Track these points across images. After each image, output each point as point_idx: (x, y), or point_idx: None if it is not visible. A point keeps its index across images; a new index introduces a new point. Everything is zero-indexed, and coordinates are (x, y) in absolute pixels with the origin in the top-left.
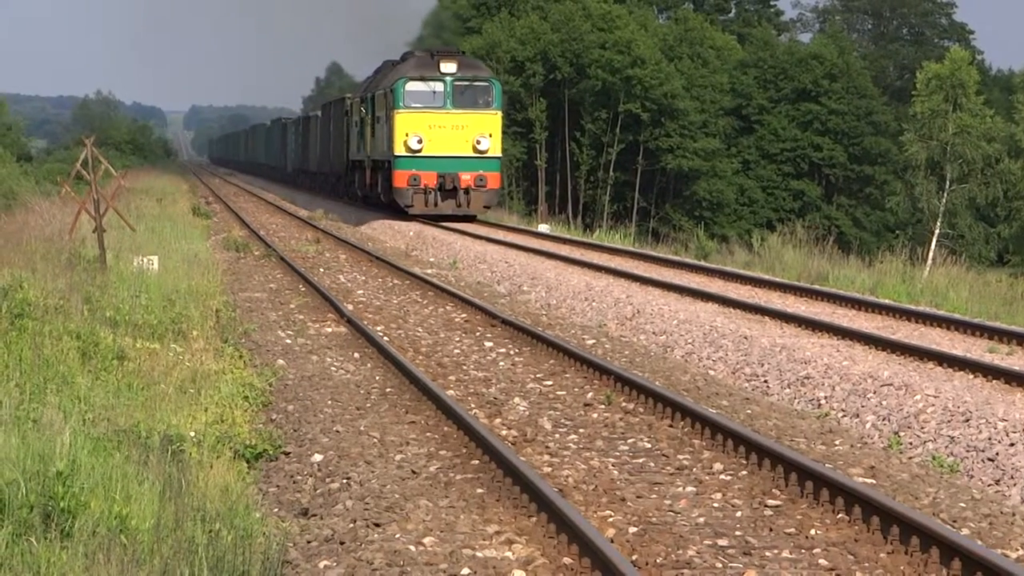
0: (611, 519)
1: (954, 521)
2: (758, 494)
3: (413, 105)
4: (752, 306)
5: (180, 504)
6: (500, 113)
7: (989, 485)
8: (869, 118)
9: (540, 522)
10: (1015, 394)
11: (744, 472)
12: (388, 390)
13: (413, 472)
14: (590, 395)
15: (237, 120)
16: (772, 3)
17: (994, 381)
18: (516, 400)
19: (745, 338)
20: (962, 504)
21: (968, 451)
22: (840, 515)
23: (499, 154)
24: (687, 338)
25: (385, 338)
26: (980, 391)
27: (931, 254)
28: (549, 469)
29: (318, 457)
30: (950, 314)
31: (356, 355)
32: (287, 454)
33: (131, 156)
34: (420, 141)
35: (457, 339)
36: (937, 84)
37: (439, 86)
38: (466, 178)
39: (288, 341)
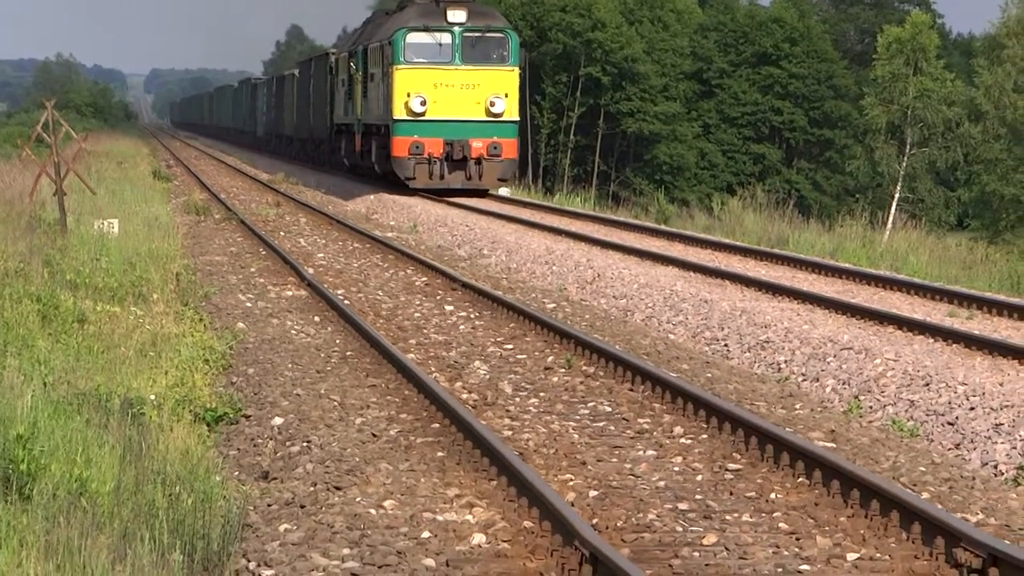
0: (572, 483)
1: (914, 485)
2: (719, 458)
3: (415, 60)
4: (712, 270)
5: (140, 467)
6: (518, 69)
7: (949, 449)
8: (829, 82)
9: (501, 486)
10: (975, 358)
11: (704, 436)
12: (348, 354)
13: (373, 436)
14: (551, 359)
15: (198, 83)
16: None
17: (954, 345)
18: (477, 364)
19: (705, 302)
20: (922, 468)
21: (928, 415)
22: (800, 479)
23: (516, 117)
24: (647, 302)
25: (346, 301)
26: (940, 355)
27: (891, 218)
28: (510, 433)
29: (278, 420)
30: (910, 278)
31: (316, 319)
32: (247, 417)
33: (92, 119)
34: (424, 103)
35: (418, 303)
36: (898, 48)
37: (446, 38)
38: (478, 146)
39: (248, 304)
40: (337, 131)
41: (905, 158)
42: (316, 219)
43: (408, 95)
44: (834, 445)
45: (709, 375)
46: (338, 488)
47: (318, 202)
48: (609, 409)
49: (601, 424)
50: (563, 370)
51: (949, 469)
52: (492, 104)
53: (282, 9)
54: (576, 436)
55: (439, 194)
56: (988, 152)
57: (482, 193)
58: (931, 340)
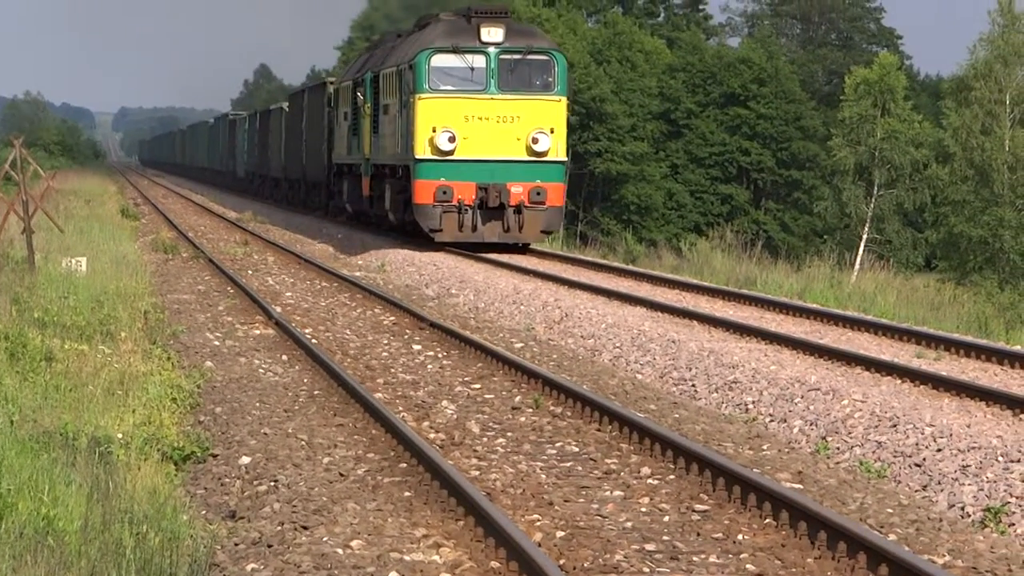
0: (539, 523)
1: (881, 526)
2: (686, 499)
3: (443, 88)
4: (680, 310)
5: (108, 506)
6: (565, 99)
7: (916, 491)
8: (797, 123)
9: (468, 525)
10: (942, 399)
11: (672, 476)
12: (316, 392)
13: (341, 475)
14: (518, 399)
15: (166, 121)
16: (701, 7)
17: (921, 386)
18: (444, 403)
19: (673, 342)
20: (889, 510)
21: (895, 456)
22: (767, 520)
23: (564, 157)
24: (615, 342)
25: (313, 340)
26: (907, 396)
27: (859, 259)
28: (477, 473)
29: (246, 459)
30: (878, 319)
31: (284, 357)
32: (215, 456)
33: (60, 157)
34: (452, 139)
35: (385, 342)
36: (865, 89)
37: (479, 60)
38: (517, 191)
39: (216, 343)
40: (337, 172)
41: (873, 199)
42: (284, 258)
43: (434, 130)
44: (801, 486)
45: (677, 415)
46: (305, 527)
47: (286, 240)
48: (576, 449)
49: (568, 464)
50: (531, 410)
51: (916, 511)
52: (535, 141)
53: (250, 49)
54: (543, 476)
55: (470, 249)
56: (956, 194)
57: (522, 249)
58: (899, 381)
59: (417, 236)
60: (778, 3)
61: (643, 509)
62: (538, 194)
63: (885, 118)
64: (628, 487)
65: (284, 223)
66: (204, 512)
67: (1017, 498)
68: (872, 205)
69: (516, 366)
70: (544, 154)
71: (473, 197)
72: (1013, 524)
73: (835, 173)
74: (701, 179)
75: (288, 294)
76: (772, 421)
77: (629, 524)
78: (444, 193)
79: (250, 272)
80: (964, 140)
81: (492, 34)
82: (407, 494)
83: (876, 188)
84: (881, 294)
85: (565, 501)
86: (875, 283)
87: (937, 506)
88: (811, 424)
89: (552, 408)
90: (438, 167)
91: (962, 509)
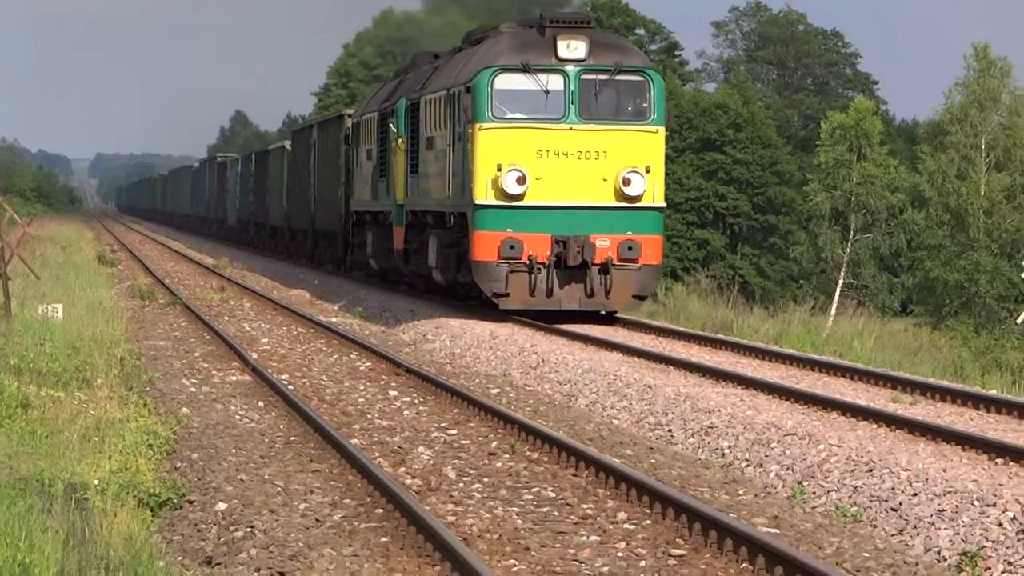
0: (515, 568)
1: (857, 571)
2: (662, 543)
3: (510, 116)
4: (656, 355)
5: (84, 553)
6: (663, 130)
7: (892, 535)
8: (773, 168)
9: (444, 571)
10: (918, 444)
11: (648, 521)
12: (292, 439)
13: (317, 521)
14: (494, 444)
15: (143, 168)
16: (677, 53)
17: (897, 431)
18: (420, 449)
19: (649, 387)
20: (865, 554)
21: (872, 501)
22: (744, 564)
23: (661, 203)
24: (591, 387)
25: (290, 386)
26: (884, 441)
27: (835, 304)
28: (453, 518)
29: (222, 505)
30: (854, 364)
31: (261, 403)
32: (191, 502)
33: (36, 204)
34: (522, 179)
35: (362, 387)
36: (841, 134)
37: (556, 81)
38: (603, 245)
39: (193, 389)
40: (357, 221)
41: (849, 244)
42: (260, 304)
43: (498, 168)
44: (777, 531)
45: (653, 460)
46: (282, 573)
47: (262, 287)
48: (553, 494)
49: (545, 509)
50: (507, 455)
51: (892, 555)
52: (626, 182)
53: (226, 95)
54: (520, 521)
55: (545, 319)
56: (932, 238)
57: (608, 319)
58: (875, 426)
59: (472, 299)
60: (754, 48)
61: (619, 554)
62: (630, 249)
63: (861, 163)
64: (604, 532)
65: (261, 269)
66: (181, 558)
67: (993, 542)
68: (848, 250)
69: (492, 412)
70: (637, 199)
71: (548, 253)
72: (989, 568)
73: (811, 218)
74: (677, 224)
75: (265, 340)
76: (748, 466)
77: (605, 569)
78: (511, 248)
79: (226, 318)
80: (940, 185)
81: (572, 48)
82: (384, 540)
83: (852, 233)
84: (857, 339)
85: (542, 546)
86: (851, 328)
87: (913, 550)
88: (787, 469)
89: (528, 453)
90: (504, 215)
91: (938, 553)
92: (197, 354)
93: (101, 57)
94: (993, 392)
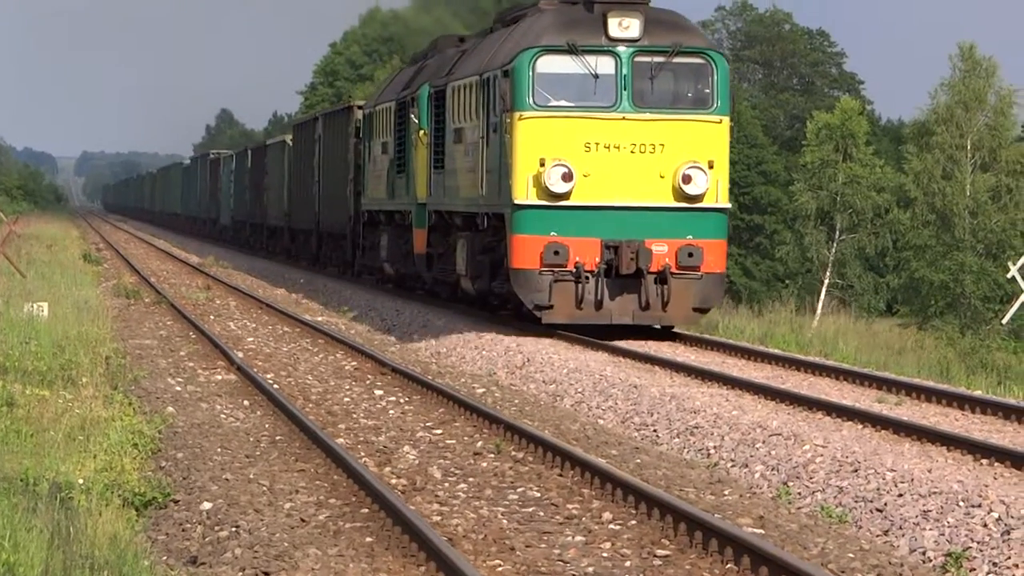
0: (500, 568)
1: (843, 572)
2: (647, 544)
3: (554, 103)
4: (642, 355)
5: (69, 552)
6: (728, 120)
7: (878, 536)
8: (759, 167)
9: (429, 571)
10: (903, 444)
11: (633, 522)
12: (278, 438)
13: (302, 520)
14: (480, 444)
15: (128, 166)
16: None
17: (883, 431)
18: (406, 449)
19: (635, 387)
20: (850, 555)
21: (857, 501)
22: (729, 565)
23: (726, 204)
24: (577, 387)
25: (275, 386)
26: (869, 441)
27: (821, 304)
28: (439, 518)
29: (207, 505)
30: (839, 364)
31: (246, 403)
32: (176, 502)
33: (22, 202)
34: (568, 176)
35: (347, 387)
36: (827, 134)
37: (607, 64)
38: (660, 251)
39: (178, 388)
40: (369, 221)
41: (834, 244)
42: (246, 303)
43: (541, 163)
44: (763, 531)
45: (638, 460)
46: (267, 573)
47: (248, 285)
48: (538, 495)
49: (530, 509)
50: (492, 455)
51: (877, 555)
52: (686, 179)
53: (212, 94)
54: (505, 521)
55: (593, 333)
56: (917, 238)
57: (666, 333)
58: (860, 426)
59: (501, 308)
60: (740, 48)
61: (605, 554)
62: (690, 255)
63: (847, 163)
64: (590, 532)
65: (247, 268)
66: (165, 558)
67: (978, 543)
68: (834, 250)
69: (478, 411)
70: (699, 198)
71: (597, 260)
72: (974, 569)
73: (797, 218)
74: None
75: (250, 339)
76: (734, 466)
77: (591, 569)
78: (556, 254)
79: (212, 317)
80: (925, 185)
81: (625, 27)
82: (369, 540)
83: (838, 233)
84: (843, 339)
85: (527, 546)
86: (837, 328)
87: (899, 551)
88: (773, 469)
89: (514, 453)
90: (547, 217)
91: (923, 554)
92: (183, 353)
93: (88, 55)
94: (978, 393)
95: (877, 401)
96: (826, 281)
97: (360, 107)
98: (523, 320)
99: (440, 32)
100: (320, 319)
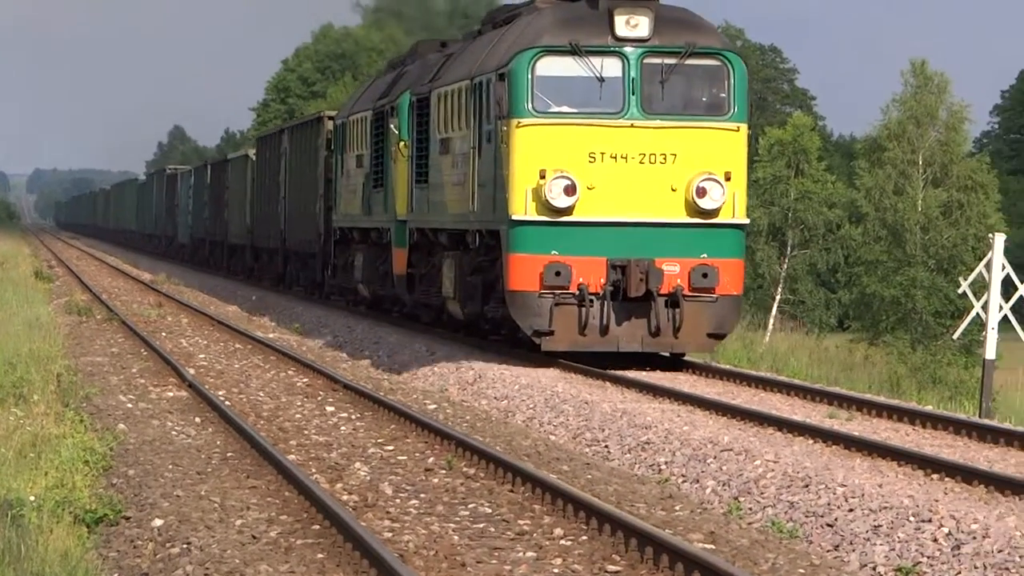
0: None
1: None
2: (598, 559)
3: (555, 109)
4: (593, 372)
5: (19, 569)
6: (745, 128)
7: (828, 551)
8: None
9: None
10: (854, 459)
11: (584, 537)
12: (229, 455)
13: (254, 537)
14: (431, 460)
15: (81, 183)
16: None
17: (834, 446)
18: (357, 465)
19: (586, 403)
20: (801, 570)
21: (807, 516)
22: None
23: (744, 219)
24: (528, 403)
25: (227, 402)
26: (820, 456)
27: (772, 319)
28: (390, 534)
29: (158, 522)
30: (790, 379)
31: (197, 419)
32: (127, 519)
33: None
34: (571, 189)
35: (299, 403)
36: (779, 150)
37: (613, 66)
38: (672, 271)
39: (129, 405)
40: (341, 239)
41: (786, 260)
42: (198, 320)
43: (541, 175)
44: (713, 547)
45: (589, 476)
46: None
47: (199, 302)
48: (489, 510)
49: (481, 525)
50: (444, 471)
51: (828, 571)
52: (701, 192)
53: (164, 111)
54: (456, 537)
55: (597, 362)
56: (869, 254)
57: (676, 361)
58: (811, 441)
59: (493, 334)
60: None
61: (556, 570)
62: (705, 276)
63: (799, 179)
64: (541, 548)
65: (198, 285)
66: (116, 575)
67: (928, 558)
68: (785, 265)
69: (429, 427)
70: (715, 213)
71: (603, 281)
72: None
73: (749, 233)
74: None
75: (202, 356)
76: (685, 482)
77: None
78: (557, 275)
79: (164, 334)
80: (877, 200)
81: (633, 25)
82: (320, 556)
83: (789, 248)
84: (794, 354)
85: (478, 562)
86: (788, 343)
87: (849, 566)
88: (724, 485)
89: (465, 469)
90: (548, 234)
91: (874, 569)
92: (134, 370)
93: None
94: (929, 408)
95: (828, 416)
96: (777, 297)
97: (331, 118)
98: (518, 347)
99: (391, 48)
100: (272, 336)
